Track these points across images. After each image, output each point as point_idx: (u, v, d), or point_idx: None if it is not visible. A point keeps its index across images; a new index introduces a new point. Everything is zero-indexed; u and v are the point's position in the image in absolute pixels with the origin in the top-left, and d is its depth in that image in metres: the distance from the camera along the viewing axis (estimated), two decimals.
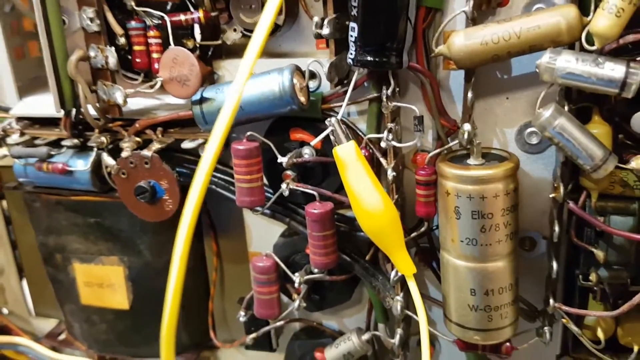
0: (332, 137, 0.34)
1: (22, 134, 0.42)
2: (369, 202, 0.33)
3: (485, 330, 0.36)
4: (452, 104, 0.36)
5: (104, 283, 0.45)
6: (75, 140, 0.40)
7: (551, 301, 0.35)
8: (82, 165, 0.40)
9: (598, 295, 0.34)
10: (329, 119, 0.34)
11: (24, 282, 0.53)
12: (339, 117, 0.34)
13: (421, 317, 0.35)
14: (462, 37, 0.31)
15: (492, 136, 0.36)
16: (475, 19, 0.32)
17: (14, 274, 0.53)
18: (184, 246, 0.23)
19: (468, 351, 0.38)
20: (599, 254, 0.33)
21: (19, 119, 0.43)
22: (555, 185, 0.34)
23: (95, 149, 0.40)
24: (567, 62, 0.29)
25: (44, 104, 0.42)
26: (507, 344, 0.37)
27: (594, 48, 0.29)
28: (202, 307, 0.47)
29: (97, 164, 0.41)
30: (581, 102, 0.32)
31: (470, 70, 0.33)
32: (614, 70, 0.28)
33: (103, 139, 0.40)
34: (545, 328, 0.36)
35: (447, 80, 0.36)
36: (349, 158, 0.34)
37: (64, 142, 0.41)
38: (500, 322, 0.35)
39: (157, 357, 0.47)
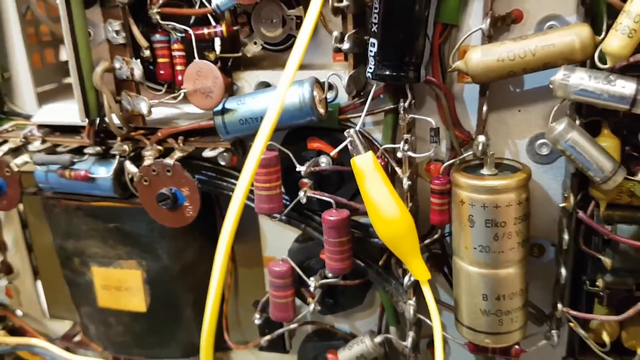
0: (350, 148, 0.36)
1: (43, 141, 0.44)
2: (386, 210, 0.35)
3: (496, 333, 0.37)
4: (465, 116, 0.37)
5: (121, 286, 0.46)
6: (98, 148, 0.42)
7: (559, 306, 0.37)
8: (104, 173, 0.42)
9: (605, 300, 0.36)
10: (347, 130, 0.36)
11: (39, 285, 0.54)
12: (357, 128, 0.36)
13: (435, 321, 0.36)
14: (479, 54, 0.33)
15: (504, 147, 0.37)
16: (491, 36, 0.33)
17: (30, 277, 0.54)
18: (224, 254, 0.25)
19: (478, 354, 0.40)
20: (606, 260, 0.35)
21: (40, 126, 0.44)
22: (566, 195, 0.35)
23: (117, 157, 0.41)
24: (581, 79, 0.31)
25: (65, 112, 0.44)
26: (517, 346, 0.38)
27: (606, 67, 0.30)
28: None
29: (119, 171, 0.42)
30: (590, 116, 0.33)
31: (485, 85, 0.35)
32: (625, 87, 0.30)
33: (125, 147, 0.41)
34: (553, 331, 0.38)
35: (461, 93, 0.37)
36: (367, 168, 0.35)
37: (86, 150, 0.42)
38: (511, 326, 0.37)
39: (172, 358, 0.48)
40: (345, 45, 0.35)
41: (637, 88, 0.29)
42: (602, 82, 0.30)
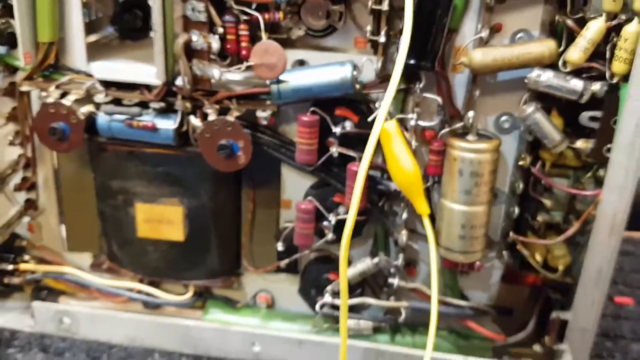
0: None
1: (106, 95, 0.51)
2: (405, 164, 0.48)
3: (467, 252, 0.52)
4: (454, 97, 0.51)
5: (163, 220, 0.55)
6: (162, 104, 0.50)
7: (511, 233, 0.52)
8: (168, 124, 0.50)
9: (542, 230, 0.52)
10: (377, 103, 0.48)
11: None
12: (384, 105, 0.48)
13: (431, 243, 0.50)
14: (480, 54, 0.46)
15: (477, 120, 0.52)
16: (488, 40, 0.47)
17: (54, 214, 0.60)
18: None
19: (451, 268, 0.55)
20: (547, 202, 0.51)
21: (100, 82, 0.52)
22: (523, 156, 0.50)
23: (179, 112, 0.50)
24: (548, 78, 0.46)
25: (120, 70, 0.51)
26: (478, 262, 0.54)
27: (566, 70, 0.45)
28: (234, 241, 0.59)
29: (180, 123, 0.51)
30: (545, 102, 0.49)
31: (477, 75, 0.49)
32: (577, 85, 0.45)
33: (187, 104, 0.50)
34: (504, 252, 0.54)
35: (453, 80, 0.51)
36: (392, 132, 0.48)
37: (152, 105, 0.50)
38: (477, 247, 0.52)
39: (199, 279, 0.58)
40: (382, 39, 0.47)
41: (584, 86, 0.45)
42: (562, 81, 0.45)
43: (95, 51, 0.55)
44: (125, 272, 0.59)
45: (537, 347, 0.58)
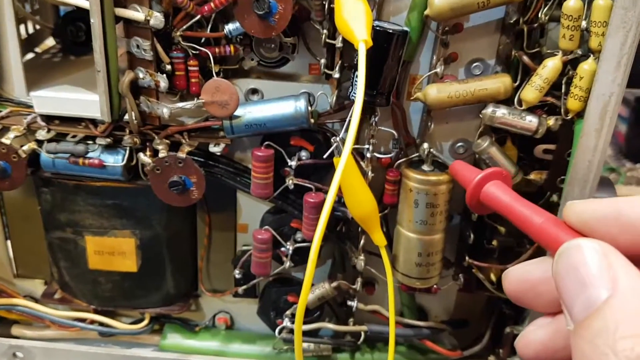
0: (335, 151, 0.47)
1: (48, 130, 0.49)
2: (361, 197, 0.47)
3: (424, 278, 0.53)
4: (409, 124, 0.51)
5: (114, 252, 0.53)
6: (109, 140, 0.48)
7: (467, 257, 0.53)
8: (115, 161, 0.48)
9: (497, 253, 0.53)
10: (334, 137, 0.48)
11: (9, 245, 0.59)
12: (340, 136, 0.47)
13: (388, 273, 0.50)
14: (435, 90, 0.46)
15: (433, 147, 0.51)
16: (443, 75, 0.47)
17: (2, 240, 0.58)
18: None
19: (409, 292, 0.55)
20: (501, 228, 0.51)
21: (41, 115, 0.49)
22: None
23: (127, 148, 0.48)
24: (503, 114, 0.45)
25: (61, 102, 0.49)
26: (435, 286, 0.54)
27: (521, 108, 0.45)
28: (190, 266, 0.58)
29: (128, 159, 0.49)
30: (499, 133, 0.49)
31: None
32: (532, 121, 0.45)
33: (136, 139, 0.48)
34: (460, 275, 0.55)
35: (407, 109, 0.50)
36: (347, 164, 0.47)
37: (98, 141, 0.48)
38: (433, 273, 0.53)
39: (155, 306, 0.57)
40: (336, 75, 0.46)
41: (539, 122, 0.45)
42: (517, 117, 0.45)
43: (35, 73, 0.52)
44: (79, 302, 0.57)
45: (492, 358, 0.60)
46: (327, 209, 0.34)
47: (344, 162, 0.36)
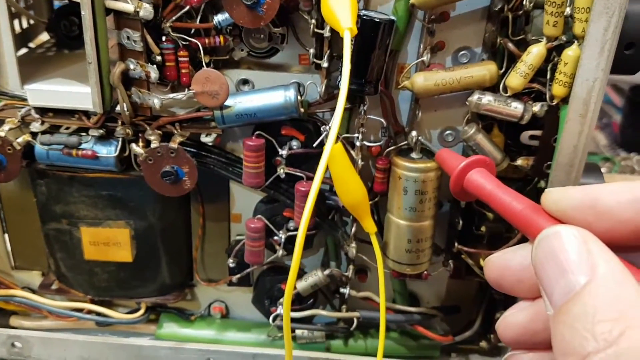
0: (325, 140, 0.48)
1: (42, 123, 0.49)
2: (351, 185, 0.48)
3: (414, 264, 0.53)
4: (398, 113, 0.51)
5: (110, 242, 0.54)
6: (101, 131, 0.49)
7: (456, 244, 0.54)
8: (108, 152, 0.49)
9: (486, 239, 0.54)
10: (324, 126, 0.48)
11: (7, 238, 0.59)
12: (330, 124, 0.48)
13: (379, 260, 0.51)
14: (422, 78, 0.46)
15: (422, 134, 0.52)
16: (430, 64, 0.47)
17: None
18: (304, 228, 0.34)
19: (399, 278, 0.56)
20: (489, 214, 0.52)
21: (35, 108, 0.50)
22: None
23: (120, 138, 0.49)
24: (489, 101, 0.46)
25: (56, 94, 0.49)
26: (425, 272, 0.55)
27: (507, 94, 0.46)
28: (185, 256, 0.59)
29: (121, 150, 0.50)
30: (486, 120, 0.49)
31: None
32: (517, 108, 0.46)
33: (128, 130, 0.49)
34: (450, 261, 0.55)
35: (396, 97, 0.51)
36: (338, 153, 0.48)
37: (91, 132, 0.49)
38: (423, 259, 0.53)
39: (151, 296, 0.58)
40: (325, 64, 0.47)
41: (525, 109, 0.46)
42: (503, 104, 0.46)
43: (29, 67, 0.53)
44: (75, 292, 0.58)
45: (483, 344, 0.61)
46: (313, 196, 0.35)
47: (329, 149, 0.36)
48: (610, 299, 0.23)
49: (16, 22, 0.60)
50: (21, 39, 0.59)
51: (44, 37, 0.64)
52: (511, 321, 0.31)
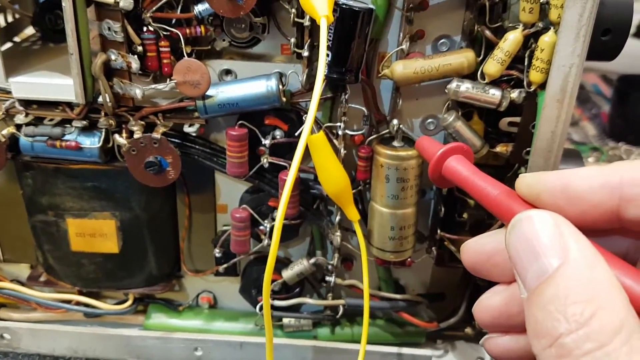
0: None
1: (26, 115, 0.50)
2: (334, 174, 0.49)
3: (397, 252, 0.54)
4: (379, 102, 0.52)
5: (96, 234, 0.55)
6: (84, 122, 0.49)
7: (439, 230, 0.54)
8: (92, 143, 0.50)
9: (468, 226, 0.54)
10: (306, 115, 0.49)
11: None
12: (310, 113, 0.48)
13: (362, 247, 0.52)
14: (401, 67, 0.47)
15: (404, 123, 0.53)
16: (409, 52, 0.48)
17: None
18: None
19: (384, 265, 0.57)
20: (471, 201, 0.53)
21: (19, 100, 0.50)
22: None
23: (103, 129, 0.50)
24: (467, 88, 0.46)
25: (40, 87, 0.50)
26: (409, 259, 0.56)
27: (484, 82, 0.46)
28: (172, 247, 0.59)
29: (105, 141, 0.50)
30: (466, 108, 0.50)
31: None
32: (495, 95, 0.46)
33: (111, 121, 0.49)
34: (433, 248, 0.56)
35: (378, 86, 0.51)
36: (319, 144, 0.48)
37: (74, 123, 0.49)
38: (407, 246, 0.54)
39: (139, 287, 0.59)
40: (306, 53, 0.47)
41: (502, 95, 0.46)
42: (481, 91, 0.46)
43: (14, 61, 0.53)
44: (63, 284, 0.58)
45: (468, 330, 0.61)
46: (290, 182, 0.36)
47: (304, 137, 0.37)
48: (582, 282, 0.24)
49: (1, 16, 0.60)
50: (6, 33, 0.60)
51: (30, 31, 0.64)
52: (487, 304, 0.32)
